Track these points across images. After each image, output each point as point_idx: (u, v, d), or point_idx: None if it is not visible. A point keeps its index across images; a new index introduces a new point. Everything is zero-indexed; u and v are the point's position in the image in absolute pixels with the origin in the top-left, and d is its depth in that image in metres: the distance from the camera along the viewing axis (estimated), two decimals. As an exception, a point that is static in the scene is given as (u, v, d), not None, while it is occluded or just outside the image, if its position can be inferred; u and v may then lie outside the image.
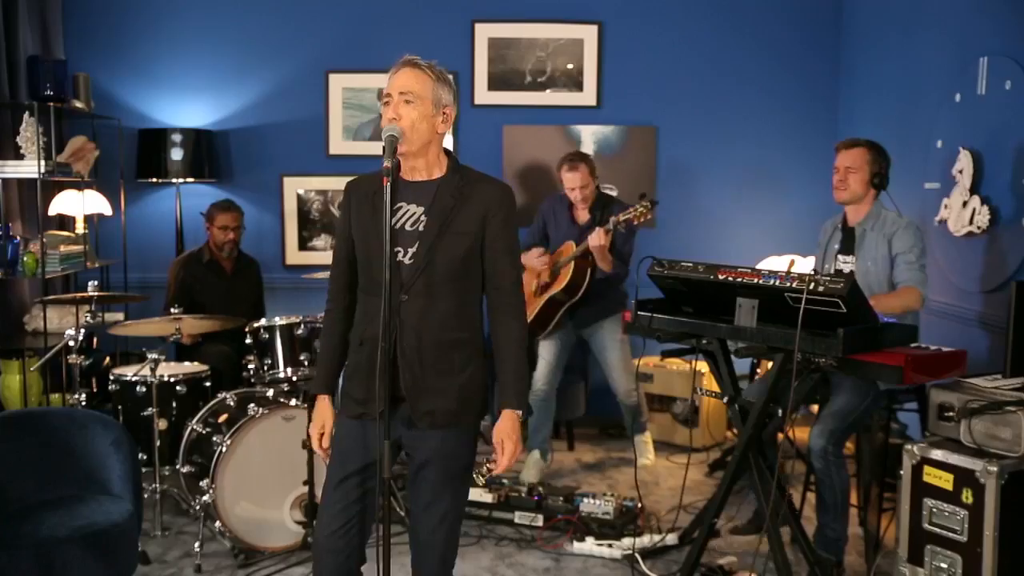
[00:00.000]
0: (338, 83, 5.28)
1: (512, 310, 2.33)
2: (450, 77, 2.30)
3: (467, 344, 2.31)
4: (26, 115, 4.48)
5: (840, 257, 3.51)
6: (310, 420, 3.43)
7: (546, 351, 4.51)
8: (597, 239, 4.10)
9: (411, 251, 2.25)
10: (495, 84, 5.32)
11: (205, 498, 3.51)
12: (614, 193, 5.07)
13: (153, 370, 3.71)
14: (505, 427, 2.32)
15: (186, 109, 5.25)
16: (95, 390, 4.74)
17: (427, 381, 2.27)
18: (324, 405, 2.41)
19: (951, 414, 2.84)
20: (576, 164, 4.35)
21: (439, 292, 2.26)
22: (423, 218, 2.26)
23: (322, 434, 2.39)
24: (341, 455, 2.33)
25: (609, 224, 4.10)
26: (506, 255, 2.32)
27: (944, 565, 2.79)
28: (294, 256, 5.36)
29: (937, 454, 2.82)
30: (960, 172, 3.96)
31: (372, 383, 2.17)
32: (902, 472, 2.92)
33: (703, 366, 3.65)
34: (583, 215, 4.44)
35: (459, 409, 2.31)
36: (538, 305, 4.41)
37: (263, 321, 3.94)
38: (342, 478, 2.31)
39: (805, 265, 4.66)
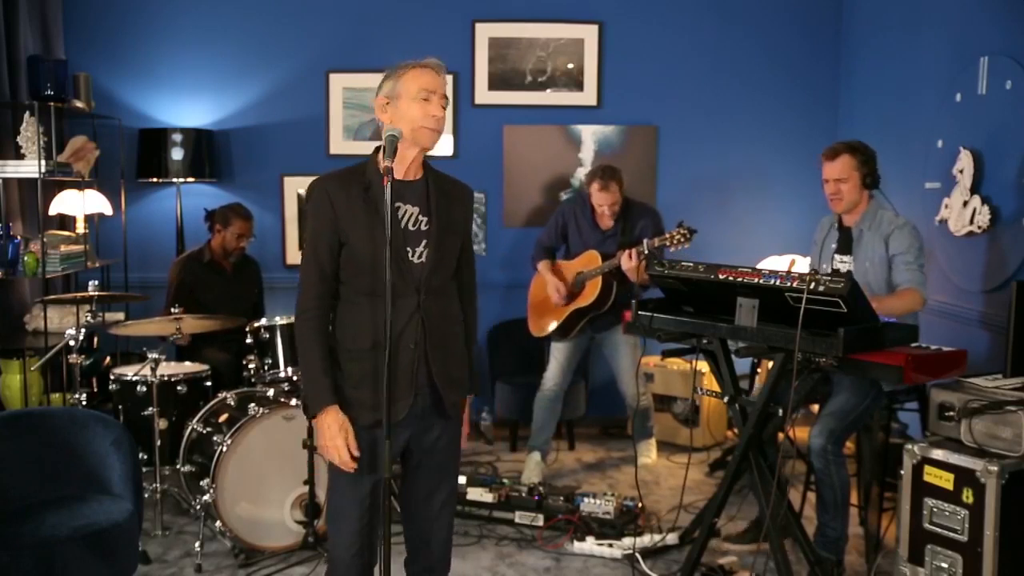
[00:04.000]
0: (338, 83, 5.28)
1: (473, 300, 2.50)
2: None
3: (462, 335, 2.43)
4: (26, 115, 4.48)
5: (837, 256, 3.50)
6: (311, 422, 3.46)
7: (559, 352, 4.51)
8: (629, 263, 4.06)
9: (419, 250, 2.28)
10: (495, 84, 5.32)
11: (205, 498, 3.51)
12: None
13: (153, 370, 3.71)
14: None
15: (186, 109, 5.25)
16: (95, 390, 4.74)
17: (453, 373, 2.35)
18: (339, 414, 2.26)
19: (952, 414, 2.84)
20: (607, 183, 4.28)
21: (445, 288, 2.34)
22: (422, 217, 2.29)
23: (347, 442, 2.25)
24: (357, 468, 2.30)
25: (643, 247, 4.04)
26: (471, 248, 2.47)
27: (944, 565, 2.79)
28: (294, 256, 5.35)
29: (938, 454, 2.83)
30: (961, 172, 3.96)
31: (395, 385, 2.20)
32: (902, 472, 2.92)
33: (703, 366, 3.64)
34: (607, 222, 4.41)
35: (463, 394, 2.43)
36: (563, 315, 4.40)
37: (263, 321, 3.94)
38: (359, 494, 2.30)
39: (805, 265, 4.65)
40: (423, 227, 2.29)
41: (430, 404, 2.33)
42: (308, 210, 2.29)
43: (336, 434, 2.24)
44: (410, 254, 2.27)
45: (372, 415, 2.27)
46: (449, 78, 5.19)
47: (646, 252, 4.03)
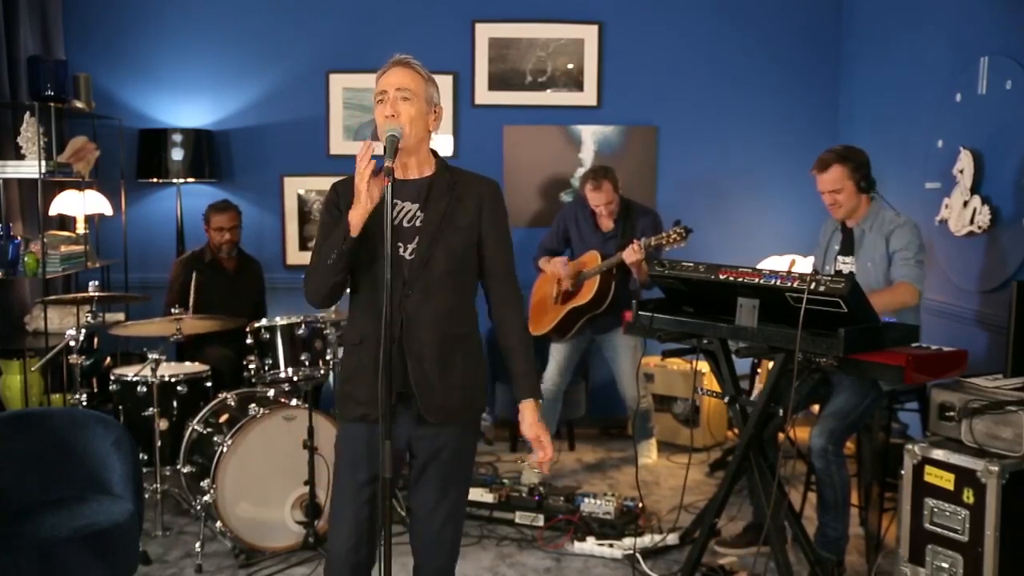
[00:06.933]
0: (338, 83, 5.28)
1: (514, 301, 2.39)
2: (433, 77, 2.34)
3: (468, 339, 2.35)
4: (27, 115, 4.48)
5: (840, 258, 3.51)
6: (311, 419, 3.47)
7: (558, 353, 4.52)
8: (634, 255, 4.06)
9: (411, 246, 2.26)
10: (495, 84, 5.31)
11: (206, 498, 3.51)
12: None
13: (154, 370, 3.71)
14: (534, 419, 2.35)
15: (186, 109, 5.24)
16: (96, 390, 4.74)
17: (435, 376, 2.27)
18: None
19: (952, 414, 2.84)
20: (600, 183, 4.32)
21: (440, 287, 2.27)
22: (419, 214, 2.28)
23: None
24: (352, 464, 2.31)
25: (640, 243, 4.07)
26: (503, 245, 2.37)
27: (945, 565, 2.79)
28: (294, 256, 5.35)
29: (938, 454, 2.83)
30: (961, 172, 3.96)
31: (377, 382, 2.14)
32: (903, 472, 2.92)
33: (704, 366, 3.64)
34: (607, 223, 4.45)
35: (466, 404, 2.35)
36: (560, 314, 4.41)
37: (264, 321, 3.93)
38: (355, 490, 2.29)
39: (805, 265, 4.65)
40: (418, 223, 2.27)
41: (419, 406, 2.28)
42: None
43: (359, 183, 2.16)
44: (400, 249, 2.25)
45: (359, 409, 2.28)
46: (448, 78, 5.29)
47: (642, 247, 4.06)
